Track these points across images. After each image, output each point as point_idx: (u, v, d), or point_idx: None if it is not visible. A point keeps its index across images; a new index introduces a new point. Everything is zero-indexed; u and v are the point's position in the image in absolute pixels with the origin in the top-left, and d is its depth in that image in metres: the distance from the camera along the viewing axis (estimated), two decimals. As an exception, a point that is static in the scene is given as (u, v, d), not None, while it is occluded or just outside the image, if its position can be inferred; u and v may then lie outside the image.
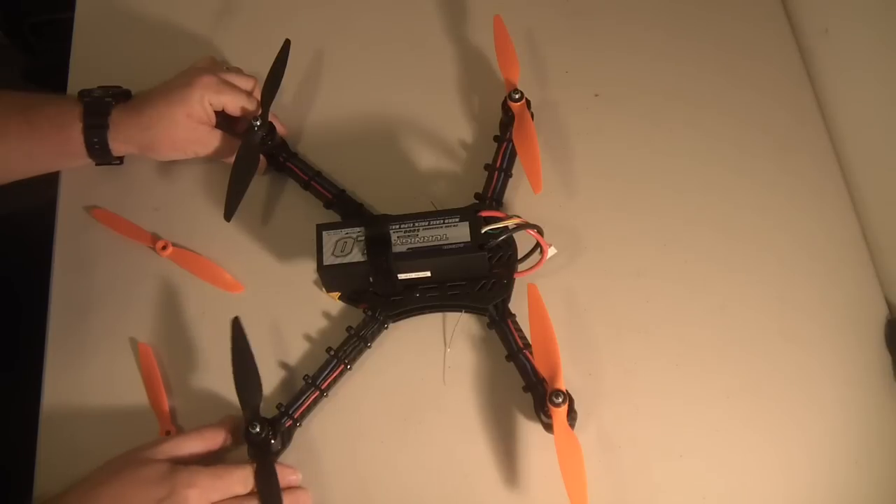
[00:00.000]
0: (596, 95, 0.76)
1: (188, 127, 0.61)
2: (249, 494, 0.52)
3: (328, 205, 0.66)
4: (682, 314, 0.68)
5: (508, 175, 0.68)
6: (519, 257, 0.65)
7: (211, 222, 0.67)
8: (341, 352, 0.60)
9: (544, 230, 0.64)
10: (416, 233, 0.59)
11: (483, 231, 0.59)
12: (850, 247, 0.73)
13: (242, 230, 0.67)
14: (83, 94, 0.62)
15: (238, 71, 0.68)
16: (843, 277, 0.71)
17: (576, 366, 0.64)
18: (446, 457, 0.61)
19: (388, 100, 0.75)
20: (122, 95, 0.64)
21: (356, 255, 0.57)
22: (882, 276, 0.72)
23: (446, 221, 0.59)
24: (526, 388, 0.61)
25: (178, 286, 0.65)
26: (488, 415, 0.62)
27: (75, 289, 0.64)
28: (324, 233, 0.59)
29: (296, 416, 0.58)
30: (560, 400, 0.56)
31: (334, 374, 0.59)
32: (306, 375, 0.59)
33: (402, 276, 0.59)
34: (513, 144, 0.67)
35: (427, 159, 0.72)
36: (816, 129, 0.78)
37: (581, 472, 0.55)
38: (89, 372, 0.61)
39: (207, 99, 0.61)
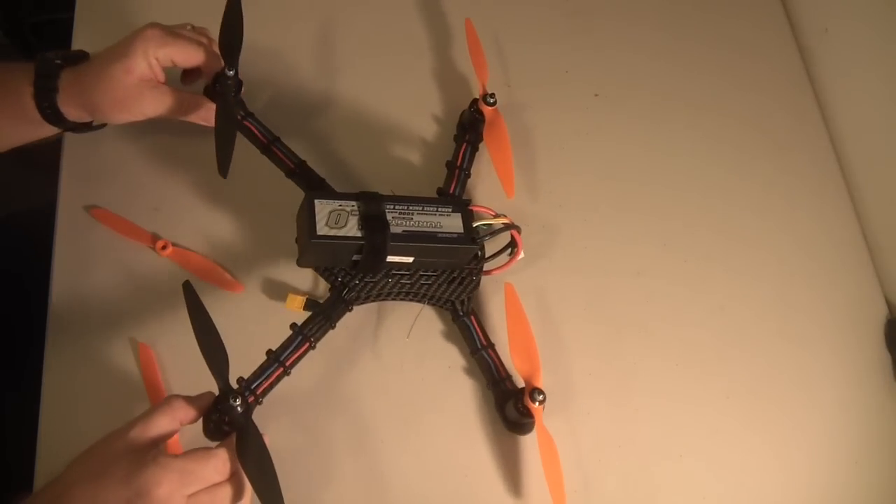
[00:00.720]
0: (596, 95, 0.76)
1: (129, 84, 0.56)
2: (226, 480, 0.48)
3: (289, 174, 0.63)
4: (681, 314, 0.68)
5: (468, 175, 0.67)
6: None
7: (211, 222, 0.67)
8: (307, 328, 0.57)
9: (542, 229, 0.64)
10: (410, 216, 0.57)
11: (474, 225, 0.59)
12: (850, 247, 0.73)
13: (242, 230, 0.67)
14: (37, 59, 0.58)
15: (202, 30, 0.64)
16: (843, 277, 0.71)
17: (575, 365, 0.64)
18: (446, 457, 0.61)
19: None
20: (76, 58, 0.59)
21: (352, 230, 0.55)
22: (882, 276, 0.72)
23: (439, 210, 0.58)
24: (488, 385, 0.61)
25: (178, 286, 0.64)
26: (487, 415, 0.62)
27: (75, 289, 0.64)
28: (316, 201, 0.55)
29: (258, 393, 0.54)
30: (541, 398, 0.56)
31: (300, 352, 0.57)
32: (269, 350, 0.56)
33: (389, 258, 0.57)
34: (472, 145, 0.67)
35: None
36: (816, 129, 0.78)
37: (557, 465, 0.56)
38: (89, 372, 0.61)
39: (151, 53, 0.56)
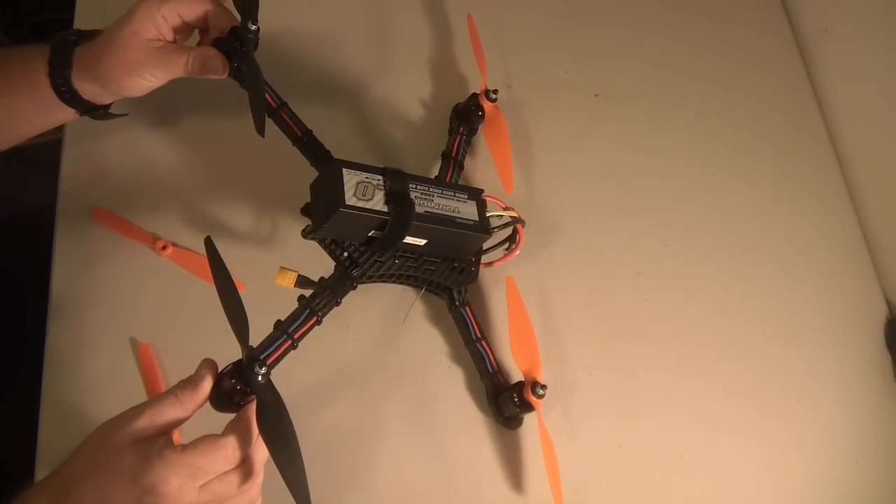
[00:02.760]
0: (596, 95, 0.76)
1: (135, 46, 0.55)
2: (236, 467, 0.47)
3: (296, 142, 0.61)
4: (681, 314, 0.68)
5: (462, 167, 0.67)
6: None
7: (211, 222, 0.67)
8: (314, 302, 0.56)
9: (542, 229, 0.64)
10: (431, 198, 0.56)
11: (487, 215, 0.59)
12: (850, 247, 0.73)
13: (242, 229, 0.67)
14: (53, 37, 0.58)
15: None
16: (844, 278, 0.71)
17: (575, 366, 0.64)
18: (446, 456, 0.61)
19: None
20: (91, 36, 0.58)
21: (378, 204, 0.53)
22: (882, 277, 0.72)
23: (457, 195, 0.58)
24: (481, 377, 0.62)
25: (178, 286, 0.65)
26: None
27: (75, 289, 0.64)
28: (343, 170, 0.54)
29: (268, 364, 0.51)
30: (543, 392, 0.56)
31: (307, 326, 0.55)
32: (278, 321, 0.55)
33: (406, 239, 0.56)
34: (466, 137, 0.68)
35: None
36: (816, 129, 0.78)
37: (555, 458, 0.56)
38: (89, 372, 0.61)
39: (156, 11, 0.55)
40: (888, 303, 0.71)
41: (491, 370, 0.61)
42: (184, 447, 0.44)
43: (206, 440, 0.45)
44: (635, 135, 0.75)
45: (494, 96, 0.67)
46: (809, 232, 0.73)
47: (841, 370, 0.68)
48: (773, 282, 0.70)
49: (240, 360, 0.49)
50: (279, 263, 0.66)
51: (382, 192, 0.54)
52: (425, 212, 0.55)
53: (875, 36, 0.72)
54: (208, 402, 0.48)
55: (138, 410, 0.46)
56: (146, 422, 0.45)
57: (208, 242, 0.51)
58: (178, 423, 0.47)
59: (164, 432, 0.46)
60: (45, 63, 0.56)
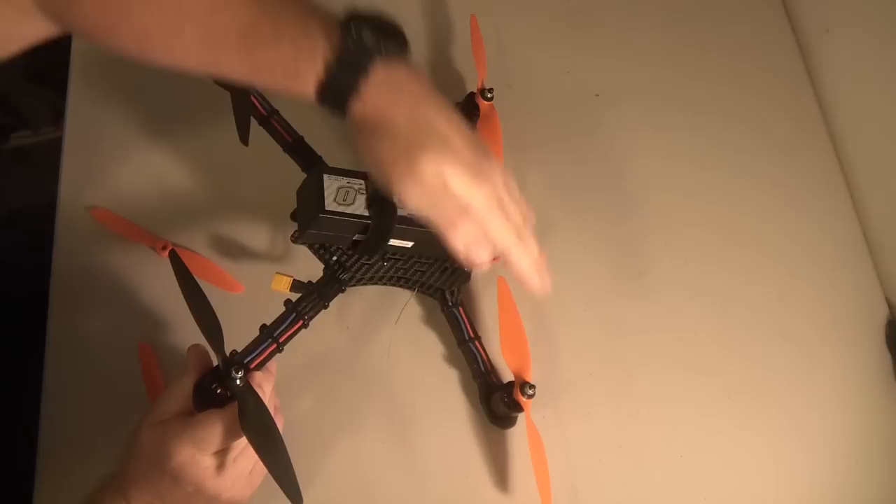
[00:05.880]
0: (596, 95, 0.76)
1: None
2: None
3: (287, 148, 0.62)
4: (682, 314, 0.68)
5: None
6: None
7: (211, 222, 0.67)
8: (300, 306, 0.56)
9: (542, 229, 0.63)
10: None
11: None
12: (850, 247, 0.73)
13: (242, 230, 0.67)
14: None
15: None
16: (844, 278, 0.71)
17: (576, 366, 0.64)
18: (446, 457, 0.61)
19: None
20: None
21: (359, 208, 0.54)
22: (882, 277, 0.72)
23: None
24: (474, 376, 0.62)
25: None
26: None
27: (75, 289, 0.64)
28: (325, 176, 0.54)
29: (251, 368, 0.53)
30: (532, 392, 0.57)
31: (293, 329, 0.56)
32: (263, 325, 0.56)
33: (390, 241, 0.56)
34: None
35: None
36: (817, 129, 0.78)
37: (544, 458, 0.56)
38: (89, 372, 0.61)
39: None
40: (888, 303, 0.71)
41: (484, 370, 0.61)
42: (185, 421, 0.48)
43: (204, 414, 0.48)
44: (635, 135, 0.75)
45: (490, 95, 0.67)
46: (810, 231, 0.73)
47: (842, 370, 0.68)
48: (774, 281, 0.70)
49: (217, 366, 0.50)
50: (281, 266, 0.66)
51: (364, 197, 0.54)
52: (408, 214, 0.55)
53: (876, 36, 0.72)
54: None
55: (185, 436, 0.48)
56: (199, 451, 0.48)
57: (173, 256, 0.53)
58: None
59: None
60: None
